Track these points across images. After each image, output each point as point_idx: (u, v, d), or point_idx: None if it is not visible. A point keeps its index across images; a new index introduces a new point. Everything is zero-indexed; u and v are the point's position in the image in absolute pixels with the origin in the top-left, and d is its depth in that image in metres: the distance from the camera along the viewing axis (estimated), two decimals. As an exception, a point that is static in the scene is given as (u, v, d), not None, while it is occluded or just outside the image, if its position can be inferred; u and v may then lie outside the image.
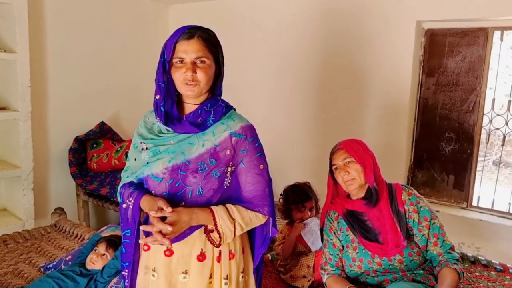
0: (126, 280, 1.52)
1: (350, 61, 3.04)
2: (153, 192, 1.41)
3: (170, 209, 1.29)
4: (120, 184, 1.51)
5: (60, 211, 2.78)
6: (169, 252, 1.41)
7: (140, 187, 1.45)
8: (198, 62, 1.35)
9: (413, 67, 2.82)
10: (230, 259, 1.45)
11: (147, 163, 1.41)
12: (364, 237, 1.74)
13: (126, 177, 1.50)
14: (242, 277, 1.49)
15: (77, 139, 3.31)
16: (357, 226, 1.76)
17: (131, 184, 1.46)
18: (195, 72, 1.34)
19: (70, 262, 2.22)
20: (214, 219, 1.36)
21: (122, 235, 1.48)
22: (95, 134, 3.38)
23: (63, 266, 2.21)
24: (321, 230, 1.92)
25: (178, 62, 1.36)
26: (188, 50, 1.34)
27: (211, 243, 1.40)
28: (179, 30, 1.37)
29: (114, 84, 3.65)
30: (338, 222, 1.83)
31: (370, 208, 1.75)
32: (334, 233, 1.83)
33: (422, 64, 2.89)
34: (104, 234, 2.31)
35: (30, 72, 2.92)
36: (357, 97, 3.06)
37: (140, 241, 1.37)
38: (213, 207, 1.38)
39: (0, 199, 3.20)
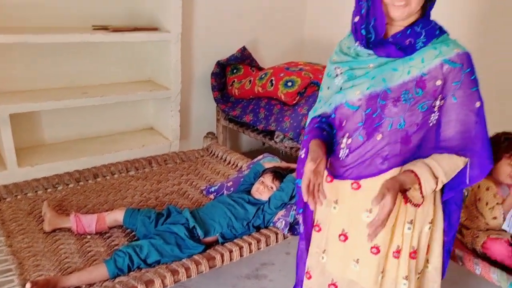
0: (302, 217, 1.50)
1: None
2: (344, 122, 1.29)
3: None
4: (307, 121, 1.40)
5: (212, 135, 2.81)
6: (356, 185, 1.32)
7: (317, 130, 1.34)
8: None
9: None
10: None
11: (341, 89, 1.29)
12: None
13: (315, 110, 1.40)
14: (429, 228, 1.37)
15: (218, 63, 3.27)
16: None
17: (312, 124, 1.37)
18: None
19: (232, 189, 2.25)
20: (420, 185, 1.24)
21: (296, 183, 1.44)
22: (236, 59, 3.30)
23: (225, 192, 2.25)
24: None
25: None
26: None
27: (408, 201, 1.29)
28: None
29: (254, 8, 3.49)
30: None
31: None
32: None
33: None
34: (267, 165, 2.29)
35: (180, -9, 2.85)
36: None
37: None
38: (417, 172, 1.23)
39: (147, 118, 3.33)
